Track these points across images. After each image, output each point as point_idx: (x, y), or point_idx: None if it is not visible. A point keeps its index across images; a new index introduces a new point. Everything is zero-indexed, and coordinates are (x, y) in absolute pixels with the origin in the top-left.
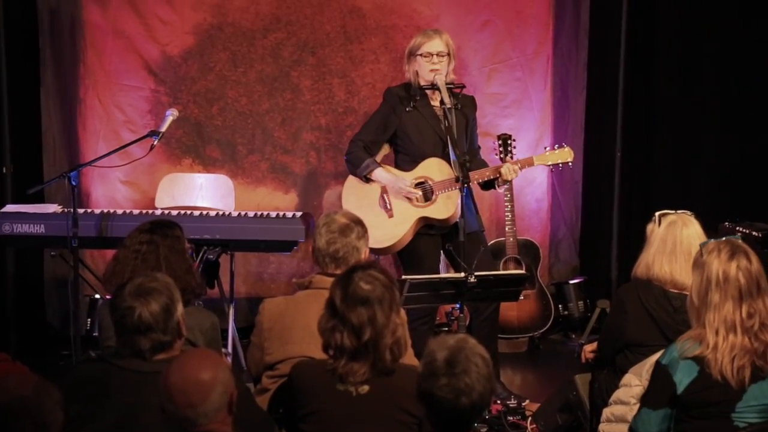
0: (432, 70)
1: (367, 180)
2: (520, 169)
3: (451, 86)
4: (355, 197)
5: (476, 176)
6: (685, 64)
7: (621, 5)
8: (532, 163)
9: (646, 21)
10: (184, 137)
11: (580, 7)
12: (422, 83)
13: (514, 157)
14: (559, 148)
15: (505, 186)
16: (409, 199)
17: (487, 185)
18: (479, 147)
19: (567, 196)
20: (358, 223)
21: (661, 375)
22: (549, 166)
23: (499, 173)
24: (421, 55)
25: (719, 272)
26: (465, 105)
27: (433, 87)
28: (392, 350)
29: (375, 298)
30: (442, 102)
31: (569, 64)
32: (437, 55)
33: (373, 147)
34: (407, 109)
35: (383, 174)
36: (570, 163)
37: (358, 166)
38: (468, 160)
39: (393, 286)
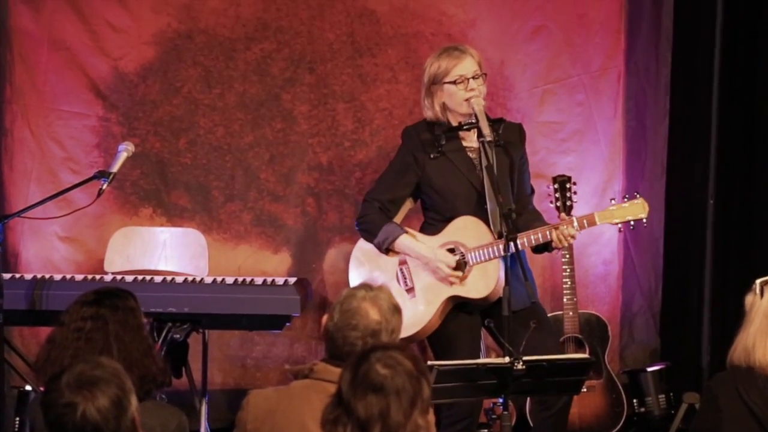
0: (469, 98)
1: (388, 251)
2: (578, 230)
3: (489, 121)
4: (367, 270)
5: (522, 238)
6: None
7: (715, 7)
8: (594, 222)
9: (748, 28)
10: (142, 179)
11: (661, 9)
12: (453, 119)
13: (574, 205)
14: (629, 200)
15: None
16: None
17: (541, 248)
18: (532, 191)
19: (644, 258)
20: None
21: None
22: (617, 224)
23: (551, 237)
24: (451, 82)
25: None
26: (509, 140)
27: (467, 126)
28: None
29: (392, 388)
30: (480, 135)
31: (647, 84)
32: (473, 78)
33: (391, 207)
34: (432, 156)
35: (412, 245)
36: (644, 220)
37: (374, 234)
38: (513, 210)
39: (422, 377)
